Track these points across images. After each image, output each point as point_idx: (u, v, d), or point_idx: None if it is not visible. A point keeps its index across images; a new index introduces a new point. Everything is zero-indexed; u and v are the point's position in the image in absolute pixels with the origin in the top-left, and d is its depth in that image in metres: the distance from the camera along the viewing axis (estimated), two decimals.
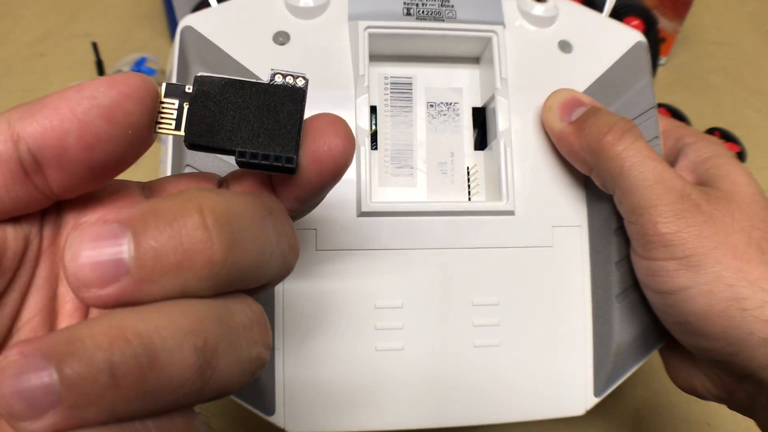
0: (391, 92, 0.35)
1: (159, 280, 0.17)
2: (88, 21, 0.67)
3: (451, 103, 0.35)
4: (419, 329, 0.32)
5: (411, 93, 0.35)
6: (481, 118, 0.35)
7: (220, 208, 0.17)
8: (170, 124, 0.20)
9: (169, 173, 0.31)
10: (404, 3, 0.34)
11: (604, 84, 0.35)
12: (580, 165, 0.32)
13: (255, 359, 0.19)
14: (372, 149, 0.34)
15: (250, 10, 0.33)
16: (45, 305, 0.20)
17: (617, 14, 0.60)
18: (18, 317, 0.20)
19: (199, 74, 0.20)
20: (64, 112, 0.18)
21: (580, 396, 0.33)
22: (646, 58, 0.36)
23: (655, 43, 0.62)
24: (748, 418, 0.33)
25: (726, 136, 0.61)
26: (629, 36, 0.36)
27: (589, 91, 0.34)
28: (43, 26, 0.67)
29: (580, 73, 0.35)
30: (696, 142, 0.35)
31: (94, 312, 0.20)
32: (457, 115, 0.35)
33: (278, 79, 0.20)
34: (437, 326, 0.32)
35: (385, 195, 0.34)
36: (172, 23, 0.61)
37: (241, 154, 0.19)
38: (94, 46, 0.60)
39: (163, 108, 0.20)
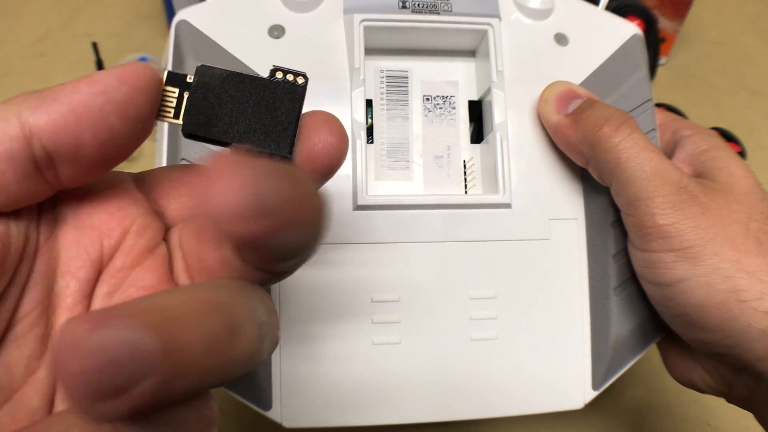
0: (386, 86, 0.35)
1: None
2: (88, 21, 0.68)
3: (447, 97, 0.35)
4: (416, 323, 0.32)
5: (407, 86, 0.35)
6: (477, 111, 0.35)
7: None
8: (170, 112, 0.20)
9: (164, 165, 0.31)
10: None
11: (600, 77, 0.35)
12: (576, 157, 0.32)
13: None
14: (368, 143, 0.34)
15: (245, 3, 0.33)
16: (42, 300, 0.20)
17: (617, 14, 0.60)
18: (16, 311, 0.19)
19: (201, 65, 0.20)
20: (78, 109, 0.17)
21: (578, 389, 0.33)
22: (642, 50, 0.36)
23: (655, 43, 0.62)
24: (748, 418, 0.32)
25: (726, 136, 0.60)
26: (625, 29, 0.36)
27: (585, 83, 0.34)
28: (43, 26, 0.67)
29: (576, 66, 0.35)
30: (693, 134, 0.34)
31: (97, 302, 0.20)
32: (453, 108, 0.35)
33: (279, 76, 0.20)
34: (434, 320, 0.32)
35: (382, 188, 0.34)
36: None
37: (237, 148, 0.19)
38: (94, 46, 0.60)
39: (164, 96, 0.19)
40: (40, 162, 0.18)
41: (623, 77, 0.35)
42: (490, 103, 0.33)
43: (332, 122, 0.21)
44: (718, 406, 0.34)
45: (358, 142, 0.32)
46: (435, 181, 0.34)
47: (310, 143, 0.20)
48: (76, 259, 0.20)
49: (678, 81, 0.68)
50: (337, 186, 0.31)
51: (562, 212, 0.33)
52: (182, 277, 0.21)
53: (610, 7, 0.59)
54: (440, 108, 0.35)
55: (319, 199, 0.17)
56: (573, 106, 0.32)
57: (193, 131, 0.19)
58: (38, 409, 0.18)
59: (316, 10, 0.34)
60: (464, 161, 0.35)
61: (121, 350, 0.13)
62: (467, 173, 0.34)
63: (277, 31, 0.33)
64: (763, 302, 0.28)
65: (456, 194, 0.34)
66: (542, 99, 0.33)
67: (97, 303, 0.20)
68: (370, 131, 0.34)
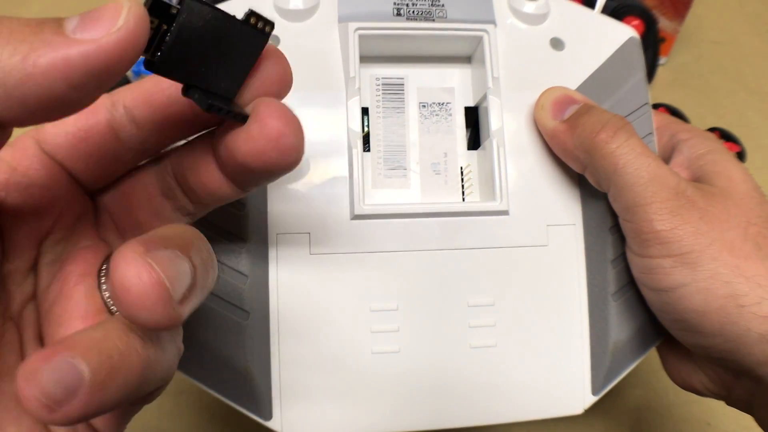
0: (383, 93, 0.35)
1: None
2: None
3: (443, 103, 0.35)
4: (415, 331, 0.32)
5: (403, 94, 0.35)
6: (474, 117, 0.35)
7: None
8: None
9: None
10: (394, 3, 0.34)
11: (597, 81, 0.35)
12: (573, 163, 0.32)
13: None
14: (365, 151, 0.34)
15: (240, 13, 0.33)
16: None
17: (617, 14, 0.60)
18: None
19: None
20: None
21: (578, 395, 0.33)
22: (638, 54, 0.36)
23: (655, 43, 0.62)
24: (747, 418, 0.32)
25: (726, 136, 0.60)
26: (621, 32, 0.36)
27: (581, 88, 0.34)
28: None
29: (573, 71, 0.35)
30: (691, 138, 0.34)
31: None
32: (450, 115, 0.35)
33: (252, 21, 0.20)
34: (433, 328, 0.32)
35: (379, 197, 0.34)
36: None
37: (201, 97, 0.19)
38: None
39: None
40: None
41: (620, 81, 0.35)
42: (486, 110, 0.33)
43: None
44: (717, 407, 0.34)
45: (354, 151, 0.31)
46: (432, 188, 0.34)
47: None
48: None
49: (678, 81, 0.68)
50: (334, 195, 0.31)
51: (560, 218, 0.33)
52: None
53: (609, 8, 0.59)
54: (437, 115, 0.35)
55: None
56: (569, 111, 0.32)
57: (162, 71, 0.19)
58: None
59: (310, 20, 0.33)
60: (461, 168, 0.35)
61: (59, 375, 0.17)
62: (464, 180, 0.34)
63: (272, 41, 0.33)
64: (762, 307, 0.28)
65: (453, 202, 0.34)
66: (538, 105, 0.33)
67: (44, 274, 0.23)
68: (366, 139, 0.34)
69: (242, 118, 0.20)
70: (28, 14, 0.67)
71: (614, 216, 0.32)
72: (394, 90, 0.35)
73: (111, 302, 0.22)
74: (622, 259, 0.33)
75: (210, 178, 0.23)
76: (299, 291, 0.31)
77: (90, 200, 0.24)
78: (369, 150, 0.34)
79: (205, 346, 0.30)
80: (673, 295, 0.30)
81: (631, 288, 0.33)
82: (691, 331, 0.30)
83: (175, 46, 0.18)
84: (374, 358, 0.32)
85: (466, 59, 0.36)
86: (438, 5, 0.34)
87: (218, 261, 0.30)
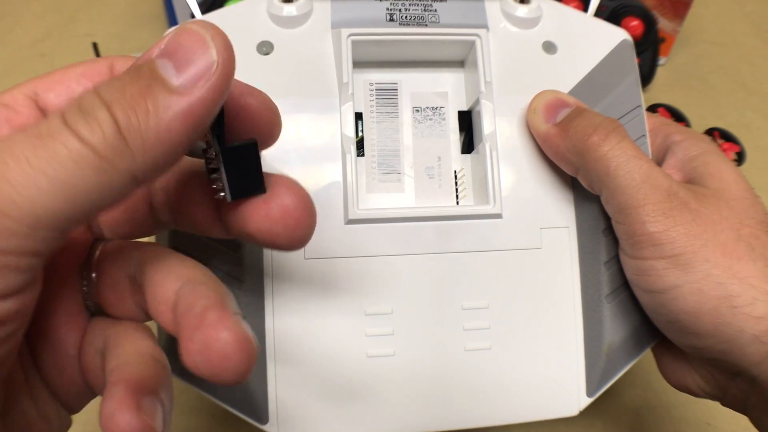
0: (376, 98, 0.35)
1: None
2: (88, 21, 0.68)
3: (436, 108, 0.35)
4: (410, 335, 0.32)
5: (396, 98, 0.35)
6: (467, 121, 0.35)
7: None
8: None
9: None
10: (387, 9, 0.34)
11: (590, 84, 0.35)
12: (566, 166, 0.32)
13: None
14: (359, 156, 0.34)
15: (234, 20, 0.33)
16: None
17: (617, 15, 0.60)
18: None
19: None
20: None
21: (573, 396, 0.33)
22: (631, 56, 0.36)
23: (655, 43, 0.62)
24: (747, 418, 0.32)
25: (726, 136, 0.60)
26: (614, 34, 0.36)
27: (574, 91, 0.34)
28: (43, 26, 0.67)
29: (565, 74, 0.35)
30: (684, 140, 0.34)
31: None
32: (443, 119, 0.35)
33: (236, 144, 0.21)
34: (428, 331, 0.32)
35: (373, 201, 0.34)
36: (172, 23, 0.61)
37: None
38: (95, 46, 0.61)
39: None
40: None
41: (613, 83, 0.35)
42: (479, 114, 0.33)
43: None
44: (717, 407, 0.33)
45: (348, 156, 0.32)
46: (426, 192, 0.34)
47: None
48: None
49: (678, 81, 0.68)
50: (329, 200, 0.32)
51: (554, 221, 0.33)
52: None
53: (609, 8, 0.59)
54: (430, 119, 0.35)
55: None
56: (562, 115, 0.32)
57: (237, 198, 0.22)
58: None
59: (304, 26, 0.34)
60: (455, 172, 0.35)
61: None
62: (458, 184, 0.35)
63: (265, 48, 0.33)
64: (755, 307, 0.28)
65: (447, 206, 0.34)
66: (531, 108, 0.33)
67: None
68: (360, 144, 0.34)
69: (262, 190, 0.22)
70: (28, 14, 0.68)
71: (607, 218, 0.32)
72: (387, 95, 0.35)
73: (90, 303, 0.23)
74: (616, 261, 0.33)
75: (204, 218, 0.24)
76: (294, 295, 0.31)
77: None
78: (363, 155, 0.34)
79: None
80: (666, 296, 0.30)
81: (625, 290, 0.33)
82: (685, 332, 0.30)
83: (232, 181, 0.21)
84: (369, 361, 0.32)
85: (459, 64, 0.36)
86: (431, 10, 0.34)
87: (214, 266, 0.31)
